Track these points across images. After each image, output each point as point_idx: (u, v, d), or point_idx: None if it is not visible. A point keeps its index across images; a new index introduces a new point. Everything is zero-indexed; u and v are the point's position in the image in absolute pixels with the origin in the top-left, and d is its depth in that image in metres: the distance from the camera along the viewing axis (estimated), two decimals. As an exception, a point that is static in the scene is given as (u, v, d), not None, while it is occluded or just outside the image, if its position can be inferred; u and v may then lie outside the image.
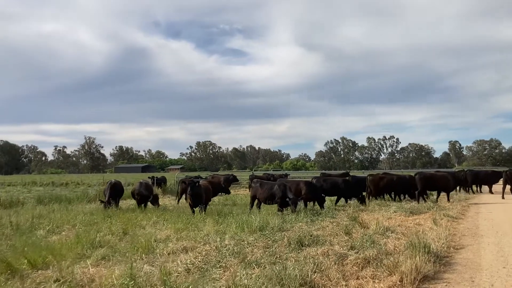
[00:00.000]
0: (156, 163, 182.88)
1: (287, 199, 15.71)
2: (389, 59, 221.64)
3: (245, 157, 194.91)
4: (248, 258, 8.30)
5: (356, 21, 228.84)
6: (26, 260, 8.11)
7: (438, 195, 21.39)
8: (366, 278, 7.02)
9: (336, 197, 20.10)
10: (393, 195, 22.64)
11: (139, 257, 8.74)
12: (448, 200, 20.43)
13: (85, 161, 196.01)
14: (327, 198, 19.18)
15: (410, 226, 12.82)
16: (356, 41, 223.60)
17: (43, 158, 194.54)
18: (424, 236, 10.15)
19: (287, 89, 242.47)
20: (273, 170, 76.97)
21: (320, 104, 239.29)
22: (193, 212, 15.92)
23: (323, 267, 7.51)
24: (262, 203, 16.93)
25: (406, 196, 22.22)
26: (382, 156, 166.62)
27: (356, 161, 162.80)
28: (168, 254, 9.22)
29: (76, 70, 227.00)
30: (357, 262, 7.91)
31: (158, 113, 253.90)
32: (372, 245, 9.54)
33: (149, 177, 30.71)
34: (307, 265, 7.53)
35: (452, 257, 8.55)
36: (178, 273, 7.42)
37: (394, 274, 6.89)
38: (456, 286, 6.81)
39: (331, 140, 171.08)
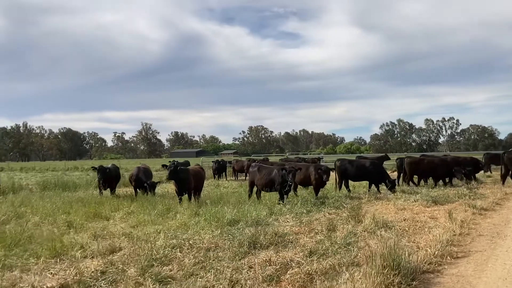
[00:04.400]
0: (210, 148, 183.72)
1: (288, 185, 13.51)
2: (451, 37, 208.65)
3: (297, 141, 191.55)
4: (158, 269, 6.27)
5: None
6: None
7: None
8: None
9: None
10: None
11: (34, 263, 6.94)
12: None
13: (142, 147, 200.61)
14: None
15: (421, 220, 10.28)
16: (416, 19, 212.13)
17: (103, 144, 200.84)
18: (416, 236, 7.66)
19: (343, 71, 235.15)
20: (310, 154, 73.85)
21: (377, 86, 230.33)
22: (180, 200, 14.03)
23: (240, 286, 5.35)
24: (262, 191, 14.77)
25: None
26: (441, 139, 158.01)
27: (413, 144, 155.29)
28: (85, 257, 7.38)
29: (135, 59, 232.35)
30: (295, 279, 5.66)
31: (214, 99, 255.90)
32: (345, 248, 7.25)
33: (169, 162, 29.20)
34: (218, 283, 5.41)
35: (440, 273, 6.00)
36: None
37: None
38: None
39: (387, 123, 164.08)
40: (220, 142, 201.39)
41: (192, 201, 13.96)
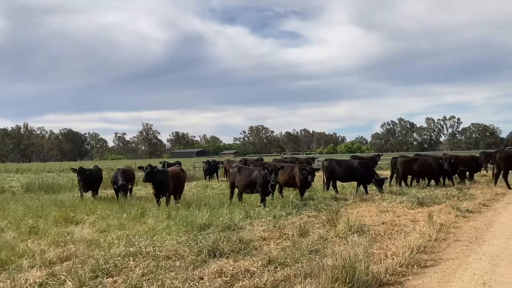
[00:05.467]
0: (211, 148, 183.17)
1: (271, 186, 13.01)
2: (453, 36, 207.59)
3: (298, 141, 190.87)
4: (100, 281, 5.82)
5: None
6: None
7: None
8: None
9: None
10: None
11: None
12: None
13: (143, 147, 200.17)
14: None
15: (400, 223, 9.76)
16: (418, 18, 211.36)
17: (104, 145, 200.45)
18: (389, 242, 7.17)
19: (344, 71, 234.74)
20: (304, 154, 73.20)
21: (378, 85, 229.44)
22: (158, 203, 13.53)
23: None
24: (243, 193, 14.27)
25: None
26: (443, 138, 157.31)
27: (414, 143, 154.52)
28: (32, 267, 6.91)
29: (137, 59, 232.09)
30: (242, 292, 5.20)
31: (215, 99, 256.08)
32: (308, 256, 6.77)
33: (160, 162, 28.81)
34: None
35: (400, 286, 5.47)
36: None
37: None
38: None
39: (387, 122, 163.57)
40: (221, 142, 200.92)
41: (171, 204, 13.50)
